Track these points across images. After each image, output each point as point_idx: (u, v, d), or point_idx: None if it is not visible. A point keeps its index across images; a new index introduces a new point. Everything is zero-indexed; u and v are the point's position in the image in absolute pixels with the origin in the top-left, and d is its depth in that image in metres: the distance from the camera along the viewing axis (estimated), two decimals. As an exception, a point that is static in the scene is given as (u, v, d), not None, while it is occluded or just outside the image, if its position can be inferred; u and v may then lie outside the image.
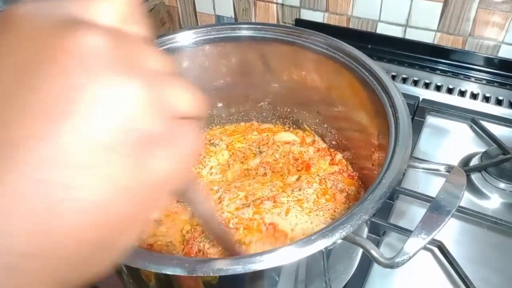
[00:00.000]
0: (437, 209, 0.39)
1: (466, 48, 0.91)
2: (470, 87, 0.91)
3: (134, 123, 0.17)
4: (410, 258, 0.38)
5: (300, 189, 0.66)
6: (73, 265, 0.17)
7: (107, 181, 0.17)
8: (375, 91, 0.56)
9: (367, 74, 0.58)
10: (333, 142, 0.74)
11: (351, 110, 0.65)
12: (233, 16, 1.10)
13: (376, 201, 0.42)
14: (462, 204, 0.70)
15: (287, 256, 0.40)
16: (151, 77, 0.18)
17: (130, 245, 0.19)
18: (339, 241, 0.41)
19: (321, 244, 0.40)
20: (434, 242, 0.63)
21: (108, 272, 0.19)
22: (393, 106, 0.53)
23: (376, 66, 0.58)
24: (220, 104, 0.77)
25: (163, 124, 0.19)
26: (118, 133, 0.17)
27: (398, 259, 0.38)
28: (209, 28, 0.68)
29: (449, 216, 0.39)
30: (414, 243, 0.38)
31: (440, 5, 0.88)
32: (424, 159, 0.77)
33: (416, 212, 0.70)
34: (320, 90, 0.69)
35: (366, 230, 0.57)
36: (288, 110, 0.77)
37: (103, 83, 0.17)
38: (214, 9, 1.11)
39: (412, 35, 0.94)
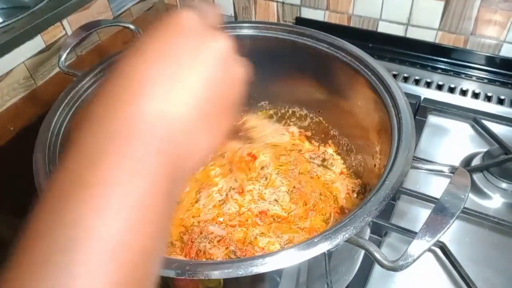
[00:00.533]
0: (441, 211, 0.39)
1: (467, 47, 0.91)
2: (472, 86, 0.91)
3: (238, 93, 0.30)
4: (414, 261, 0.37)
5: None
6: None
7: (217, 124, 0.29)
8: (378, 90, 0.55)
9: (369, 73, 0.58)
10: (335, 142, 0.74)
11: (353, 110, 0.64)
12: (233, 15, 1.09)
13: (379, 203, 0.42)
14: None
15: (289, 259, 0.39)
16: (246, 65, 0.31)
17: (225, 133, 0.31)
18: (342, 243, 0.41)
19: (324, 246, 0.40)
20: (436, 243, 0.63)
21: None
22: (395, 106, 0.52)
23: (379, 66, 0.57)
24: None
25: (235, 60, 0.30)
26: (232, 99, 0.30)
27: (402, 262, 0.38)
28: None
29: (454, 218, 0.38)
30: (418, 246, 0.38)
31: (441, 4, 0.87)
32: (426, 159, 0.77)
33: (417, 212, 0.70)
34: (321, 89, 0.69)
35: (368, 231, 0.56)
36: (289, 109, 0.76)
37: (229, 68, 0.29)
38: (214, 7, 1.10)
39: (414, 33, 0.94)
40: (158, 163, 0.25)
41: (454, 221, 0.38)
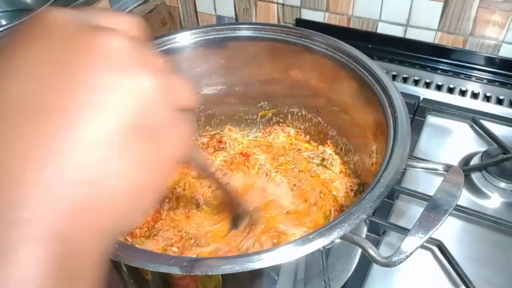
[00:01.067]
0: (434, 208, 0.40)
1: (466, 48, 0.91)
2: (471, 86, 0.91)
3: (150, 108, 0.21)
4: (407, 257, 0.38)
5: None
6: (114, 217, 0.21)
7: (132, 159, 0.21)
8: (374, 90, 0.56)
9: (366, 74, 0.58)
10: (334, 141, 0.74)
11: (350, 110, 0.65)
12: (233, 16, 1.10)
13: (374, 201, 0.43)
14: (462, 203, 0.70)
15: (285, 255, 0.40)
16: (159, 72, 0.22)
17: (153, 203, 0.24)
18: (337, 240, 0.41)
19: (319, 243, 0.40)
20: (433, 241, 0.64)
21: (137, 223, 0.26)
22: (392, 105, 0.53)
23: (376, 66, 0.58)
24: (221, 104, 0.77)
25: (169, 111, 0.23)
26: (138, 117, 0.21)
27: (395, 258, 0.38)
28: (209, 29, 0.68)
29: (446, 215, 0.39)
30: (411, 242, 0.38)
31: (440, 5, 0.88)
32: (425, 158, 0.77)
33: (416, 212, 0.70)
34: (319, 90, 0.69)
35: (365, 229, 0.57)
36: (287, 109, 0.77)
37: (123, 76, 0.20)
38: (215, 9, 1.11)
39: (413, 34, 0.94)
40: (34, 249, 0.18)
41: (446, 218, 0.39)
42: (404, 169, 0.48)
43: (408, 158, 0.47)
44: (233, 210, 0.61)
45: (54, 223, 0.18)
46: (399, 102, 0.52)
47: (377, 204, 0.43)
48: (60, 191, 0.18)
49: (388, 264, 0.38)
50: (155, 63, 0.23)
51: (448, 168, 0.45)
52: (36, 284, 0.18)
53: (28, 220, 0.18)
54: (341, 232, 0.41)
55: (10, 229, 0.17)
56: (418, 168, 0.48)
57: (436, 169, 0.47)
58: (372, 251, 0.40)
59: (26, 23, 0.20)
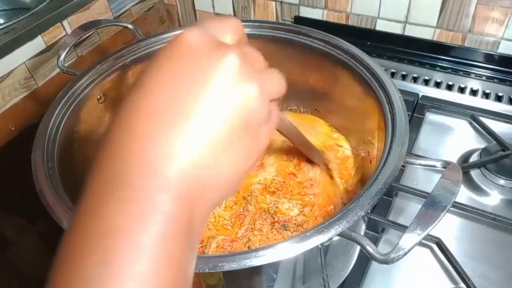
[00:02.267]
0: (432, 205, 0.39)
1: (465, 45, 0.91)
2: (470, 83, 0.91)
3: (254, 111, 0.26)
4: (405, 254, 0.38)
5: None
6: (219, 194, 0.27)
7: (237, 152, 0.26)
8: (372, 87, 0.56)
9: (364, 71, 0.58)
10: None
11: (349, 107, 0.65)
12: (232, 14, 1.10)
13: (372, 197, 0.43)
14: (461, 200, 0.70)
15: (283, 253, 0.40)
16: (260, 76, 0.27)
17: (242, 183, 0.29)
18: (336, 237, 0.41)
19: (317, 240, 0.40)
20: (432, 238, 0.63)
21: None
22: (390, 102, 0.53)
23: (374, 64, 0.58)
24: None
25: (266, 109, 0.27)
26: (244, 120, 0.26)
27: (393, 255, 0.38)
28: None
29: (445, 212, 0.39)
30: (409, 239, 0.38)
31: (439, 1, 0.87)
32: (423, 155, 0.77)
33: (415, 209, 0.70)
34: (318, 87, 0.69)
35: (363, 226, 0.57)
36: (286, 107, 0.77)
37: (235, 89, 0.25)
38: (213, 7, 1.11)
39: (412, 31, 0.94)
40: (171, 205, 0.23)
41: (445, 215, 0.39)
42: (403, 166, 0.48)
43: (406, 155, 0.47)
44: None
45: (187, 188, 0.24)
46: (397, 99, 0.52)
47: (375, 201, 0.43)
48: (191, 168, 0.24)
49: (386, 261, 0.38)
50: (258, 65, 0.28)
51: (446, 164, 0.45)
52: (169, 243, 0.23)
53: (172, 178, 0.24)
54: (339, 229, 0.41)
55: (156, 182, 0.23)
56: (417, 165, 0.48)
57: (434, 166, 0.47)
58: (370, 248, 0.40)
59: (168, 45, 0.26)
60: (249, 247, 0.59)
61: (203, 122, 0.25)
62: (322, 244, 0.41)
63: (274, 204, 0.64)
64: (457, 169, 0.43)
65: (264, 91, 0.27)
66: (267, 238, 0.60)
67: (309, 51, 0.65)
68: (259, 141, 0.28)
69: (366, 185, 0.44)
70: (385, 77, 0.55)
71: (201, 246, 0.59)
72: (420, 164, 0.48)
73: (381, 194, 0.43)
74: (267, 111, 0.28)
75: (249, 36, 0.68)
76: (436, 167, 0.46)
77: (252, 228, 0.61)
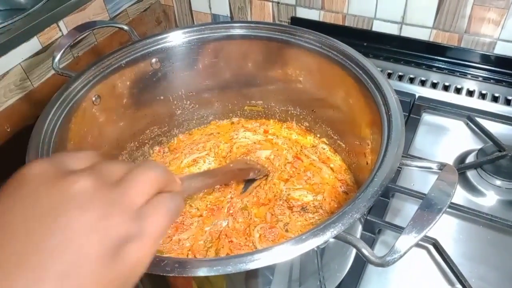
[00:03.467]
0: (428, 207, 0.39)
1: (462, 45, 0.91)
2: (466, 84, 0.91)
3: (111, 230, 0.25)
4: (401, 256, 0.38)
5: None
6: None
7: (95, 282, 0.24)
8: (368, 88, 0.56)
9: (360, 72, 0.58)
10: (329, 139, 0.74)
11: (345, 109, 0.65)
12: (228, 15, 1.10)
13: (367, 200, 0.43)
14: (458, 201, 0.70)
15: (279, 256, 0.40)
16: (120, 187, 0.26)
17: None
18: (331, 240, 0.41)
19: (313, 243, 0.40)
20: (428, 239, 0.63)
21: None
22: (386, 103, 0.52)
23: (370, 64, 0.58)
24: (215, 103, 0.77)
25: (132, 219, 0.26)
26: (100, 244, 0.24)
27: (389, 258, 0.38)
28: (203, 27, 0.68)
29: (440, 214, 0.39)
30: (405, 242, 0.38)
31: (435, 2, 0.87)
32: (420, 156, 0.77)
33: (411, 210, 0.70)
34: (314, 88, 0.69)
35: (360, 228, 0.57)
36: (283, 108, 0.77)
37: (90, 216, 0.24)
38: (210, 7, 1.11)
39: (408, 32, 0.94)
40: None
41: (440, 217, 0.39)
42: (399, 167, 0.48)
43: (402, 156, 0.46)
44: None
45: None
46: (393, 101, 0.52)
47: (371, 203, 0.42)
48: None
49: (382, 264, 0.38)
50: (115, 176, 0.27)
51: (442, 166, 0.45)
52: None
53: None
54: (335, 232, 0.40)
55: None
56: (413, 166, 0.48)
57: (430, 168, 0.47)
58: (366, 251, 0.39)
59: (9, 180, 0.25)
60: (287, 230, 0.63)
61: (48, 260, 0.23)
62: (318, 246, 0.41)
63: (286, 191, 0.68)
64: (452, 171, 0.43)
65: (130, 199, 0.26)
66: (290, 219, 0.65)
67: (305, 52, 0.65)
68: (124, 262, 0.25)
69: (362, 187, 0.44)
70: (381, 78, 0.55)
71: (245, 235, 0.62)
72: (416, 166, 0.48)
73: (377, 197, 0.42)
74: (132, 223, 0.26)
75: (245, 37, 0.68)
76: (432, 168, 0.46)
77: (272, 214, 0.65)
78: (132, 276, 0.26)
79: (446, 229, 0.68)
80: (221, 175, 0.63)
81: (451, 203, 0.66)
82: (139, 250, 0.26)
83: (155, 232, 0.27)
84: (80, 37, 0.76)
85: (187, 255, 0.60)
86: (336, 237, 0.41)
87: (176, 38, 0.67)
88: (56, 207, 0.24)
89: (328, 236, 0.40)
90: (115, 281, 0.25)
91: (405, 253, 0.38)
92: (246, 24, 0.68)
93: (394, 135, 0.48)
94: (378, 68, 0.93)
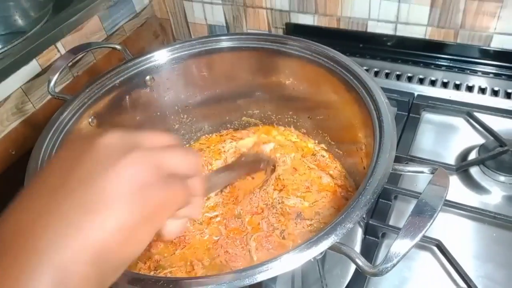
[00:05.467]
0: (420, 213, 0.39)
1: (458, 41, 0.90)
2: (465, 80, 0.90)
3: (142, 179, 0.29)
4: (394, 265, 0.38)
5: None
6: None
7: (128, 216, 0.29)
8: (359, 93, 0.56)
9: (351, 77, 0.58)
10: (327, 145, 0.74)
11: (338, 114, 0.65)
12: (224, 25, 1.11)
13: (360, 208, 0.43)
14: (462, 200, 0.69)
15: (273, 271, 0.40)
16: (149, 151, 0.31)
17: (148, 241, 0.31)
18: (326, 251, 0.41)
19: (307, 255, 0.40)
20: (432, 241, 0.63)
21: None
22: (377, 108, 0.52)
23: (360, 69, 0.58)
24: (211, 116, 0.78)
25: (161, 179, 0.30)
26: (131, 188, 0.29)
27: (382, 266, 0.38)
28: (190, 43, 0.68)
29: (432, 219, 0.38)
30: (397, 249, 0.38)
31: (429, -1, 0.87)
32: (422, 156, 0.76)
33: (414, 211, 0.70)
34: (307, 96, 0.69)
35: (360, 233, 0.57)
36: (278, 115, 0.77)
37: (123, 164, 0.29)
38: (206, 18, 1.12)
39: (403, 31, 0.93)
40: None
41: (433, 222, 0.38)
42: (393, 171, 0.47)
43: (394, 163, 0.46)
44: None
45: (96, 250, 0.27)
46: (384, 105, 0.52)
47: (364, 212, 0.42)
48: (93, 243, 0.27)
49: (376, 273, 0.38)
50: (146, 142, 0.31)
51: (434, 170, 0.45)
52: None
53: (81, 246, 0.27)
54: (328, 244, 0.40)
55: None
56: (405, 171, 0.48)
57: (422, 172, 0.47)
58: (359, 261, 0.39)
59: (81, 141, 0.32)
60: (283, 237, 0.63)
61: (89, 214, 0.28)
62: (314, 258, 0.41)
63: (280, 200, 0.69)
64: (444, 174, 0.43)
65: (156, 162, 0.30)
66: (286, 226, 0.65)
67: (295, 60, 0.65)
68: (148, 205, 0.30)
69: (355, 196, 0.44)
70: (371, 83, 0.55)
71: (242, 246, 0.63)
72: (409, 171, 0.48)
73: (370, 205, 0.42)
74: (160, 181, 0.30)
75: (237, 48, 0.69)
76: (424, 173, 0.46)
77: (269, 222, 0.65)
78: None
79: (450, 229, 0.67)
80: (238, 169, 0.65)
81: (455, 202, 0.67)
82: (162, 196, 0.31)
83: (200, 196, 0.35)
84: (77, 58, 0.77)
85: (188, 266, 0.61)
86: (330, 248, 0.41)
87: (164, 55, 0.68)
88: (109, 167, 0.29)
89: (321, 248, 0.40)
90: (154, 226, 0.31)
91: (398, 261, 0.38)
92: (237, 36, 0.68)
93: (386, 141, 0.48)
94: (375, 69, 0.95)
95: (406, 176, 0.75)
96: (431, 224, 0.38)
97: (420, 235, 0.38)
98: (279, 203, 0.67)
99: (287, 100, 0.73)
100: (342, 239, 0.45)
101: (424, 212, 0.39)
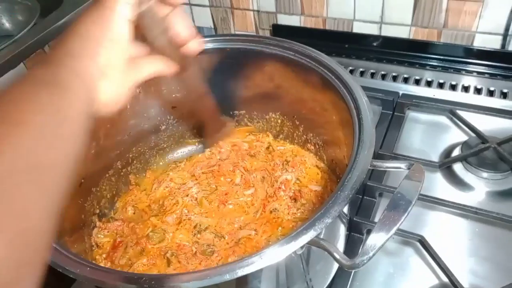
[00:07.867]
0: (394, 208, 0.40)
1: (441, 40, 0.92)
2: (449, 78, 0.92)
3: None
4: (370, 258, 0.39)
5: None
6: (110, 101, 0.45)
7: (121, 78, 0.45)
8: (340, 92, 0.57)
9: (332, 77, 0.59)
10: (315, 145, 0.75)
11: (322, 114, 0.66)
12: (212, 26, 1.12)
13: (338, 204, 0.43)
14: (446, 196, 0.70)
15: (253, 265, 0.41)
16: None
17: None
18: (305, 245, 0.42)
19: (286, 250, 0.41)
20: (415, 236, 0.64)
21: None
22: (357, 107, 0.53)
23: (342, 70, 0.59)
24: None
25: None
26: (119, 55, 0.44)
27: (358, 260, 0.39)
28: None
29: (406, 213, 0.39)
30: (372, 243, 0.39)
31: (412, -1, 0.88)
32: (406, 154, 0.78)
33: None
34: (291, 95, 0.70)
35: (342, 229, 0.57)
36: (264, 116, 0.78)
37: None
38: (193, 20, 1.12)
39: (388, 31, 0.95)
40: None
41: (407, 216, 0.40)
42: (372, 168, 0.49)
43: (373, 159, 0.47)
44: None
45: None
46: (364, 104, 0.53)
47: (342, 207, 0.43)
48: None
49: (352, 266, 0.39)
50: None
51: (410, 165, 0.46)
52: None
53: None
54: (307, 239, 0.41)
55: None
56: (383, 168, 0.49)
57: (399, 167, 0.48)
58: (337, 255, 0.40)
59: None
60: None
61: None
62: (294, 252, 0.42)
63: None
64: (419, 169, 0.44)
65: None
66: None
67: (280, 60, 0.66)
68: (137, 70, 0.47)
69: (334, 192, 0.45)
70: (352, 82, 0.56)
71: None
72: (387, 167, 0.49)
73: (348, 201, 0.43)
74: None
75: (221, 50, 0.69)
76: (402, 168, 0.47)
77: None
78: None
79: (433, 225, 0.68)
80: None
81: (437, 198, 0.68)
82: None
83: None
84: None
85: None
86: (309, 243, 0.42)
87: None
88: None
89: (300, 243, 0.41)
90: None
91: (374, 254, 0.39)
92: (221, 37, 0.69)
93: (365, 138, 0.49)
94: (361, 69, 0.96)
95: (391, 173, 0.76)
96: (405, 217, 0.39)
97: (395, 228, 0.39)
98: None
99: (273, 100, 0.74)
100: (324, 235, 0.46)
101: (399, 206, 0.40)
